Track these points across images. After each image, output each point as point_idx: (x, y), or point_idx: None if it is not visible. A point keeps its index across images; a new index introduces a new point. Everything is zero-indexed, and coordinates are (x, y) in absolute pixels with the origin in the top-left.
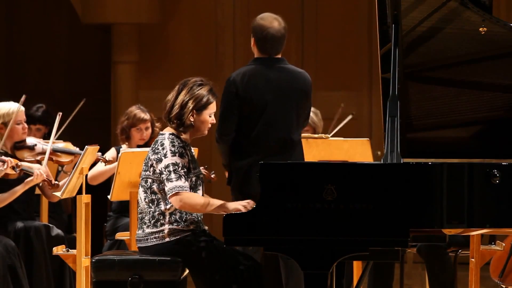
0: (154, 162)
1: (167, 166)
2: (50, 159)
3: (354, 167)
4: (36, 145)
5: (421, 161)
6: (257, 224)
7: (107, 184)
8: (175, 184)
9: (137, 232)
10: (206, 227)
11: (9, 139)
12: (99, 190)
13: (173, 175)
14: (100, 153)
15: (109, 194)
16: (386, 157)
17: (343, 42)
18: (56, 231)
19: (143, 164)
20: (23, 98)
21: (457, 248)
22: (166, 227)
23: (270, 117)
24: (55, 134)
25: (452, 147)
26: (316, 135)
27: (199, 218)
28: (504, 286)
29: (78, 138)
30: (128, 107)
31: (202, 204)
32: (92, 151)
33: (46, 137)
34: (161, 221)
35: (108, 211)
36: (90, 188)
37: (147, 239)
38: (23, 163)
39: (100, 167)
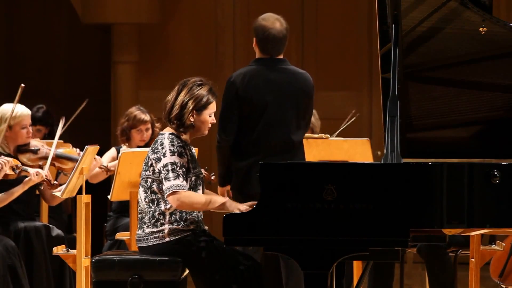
0: (154, 161)
1: (165, 165)
2: (52, 164)
3: (354, 167)
4: (39, 149)
5: (421, 161)
6: (257, 224)
7: (107, 184)
8: (173, 183)
9: (137, 232)
10: (206, 227)
11: (12, 142)
12: (99, 190)
13: (171, 174)
14: (101, 160)
15: (109, 194)
16: (386, 157)
17: (343, 42)
18: (56, 231)
19: (143, 164)
20: (20, 88)
21: (457, 248)
22: (166, 227)
23: (270, 118)
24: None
25: (452, 147)
26: (316, 135)
27: (199, 218)
28: (504, 286)
29: (78, 138)
30: (128, 107)
31: (201, 203)
32: (92, 151)
33: (47, 137)
34: (161, 221)
35: (108, 211)
36: (90, 188)
37: (147, 239)
38: (21, 164)
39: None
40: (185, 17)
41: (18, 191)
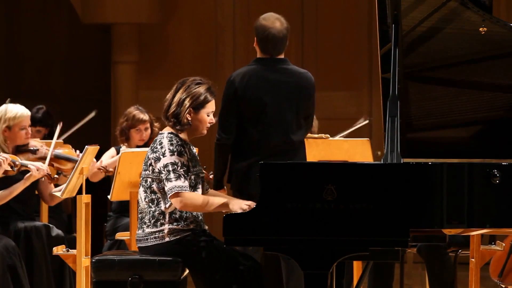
0: (153, 161)
1: (165, 166)
2: (51, 164)
3: (354, 167)
4: (38, 149)
5: (421, 161)
6: (257, 224)
7: (107, 184)
8: (175, 184)
9: (137, 232)
10: (206, 227)
11: (11, 142)
12: (99, 190)
13: (172, 175)
14: (97, 160)
15: (109, 194)
16: (386, 157)
17: (343, 42)
18: (56, 231)
19: (143, 164)
20: (7, 101)
21: (457, 248)
22: (166, 227)
23: (270, 118)
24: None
25: (452, 147)
26: (316, 135)
27: (200, 217)
28: (503, 286)
29: (78, 138)
30: (128, 107)
31: (204, 204)
32: (92, 151)
33: (46, 138)
34: (161, 220)
35: (108, 211)
36: (90, 188)
37: (147, 239)
38: (19, 159)
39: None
40: (185, 17)
41: (19, 187)
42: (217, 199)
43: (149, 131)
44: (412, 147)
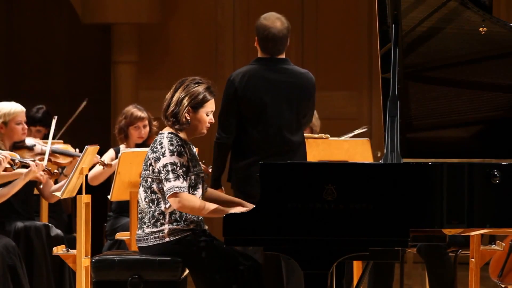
0: (153, 161)
1: (165, 166)
2: (48, 160)
3: (354, 167)
4: (35, 145)
5: (421, 161)
6: (257, 224)
7: (107, 184)
8: (173, 184)
9: (137, 232)
10: (206, 227)
11: (8, 139)
12: (99, 190)
13: (171, 175)
14: (99, 156)
15: (109, 194)
16: (386, 157)
17: (343, 42)
18: (55, 231)
19: (143, 164)
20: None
21: (457, 248)
22: (166, 227)
23: (270, 118)
24: (52, 136)
25: (452, 147)
26: (316, 135)
27: (200, 217)
28: (503, 286)
29: (78, 138)
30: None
31: (201, 207)
32: (92, 151)
33: (46, 138)
34: (161, 221)
35: (108, 211)
36: (90, 188)
37: (147, 239)
38: (19, 156)
39: (99, 167)
40: (185, 17)
41: (19, 183)
42: (213, 204)
43: (147, 128)
44: (412, 147)
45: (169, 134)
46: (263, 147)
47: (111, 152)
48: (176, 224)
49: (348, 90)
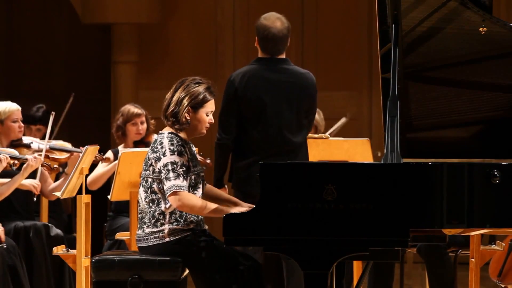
0: (153, 161)
1: (165, 165)
2: (46, 156)
3: (354, 167)
4: (32, 143)
5: (421, 161)
6: (257, 224)
7: (107, 184)
8: (173, 183)
9: (137, 232)
10: (206, 227)
11: (5, 137)
12: (99, 190)
13: (171, 174)
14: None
15: (109, 194)
16: (386, 157)
17: (343, 42)
18: (55, 231)
19: (143, 164)
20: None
21: (457, 248)
22: (166, 227)
23: (269, 118)
24: (50, 133)
25: (452, 147)
26: (316, 135)
27: (200, 217)
28: (503, 286)
29: (78, 138)
30: None
31: (201, 206)
32: (92, 151)
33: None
34: (161, 221)
35: (108, 211)
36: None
37: (147, 239)
38: (16, 153)
39: (98, 170)
40: (185, 17)
41: (18, 179)
42: (213, 204)
43: (145, 125)
44: (412, 147)
45: (169, 134)
46: (263, 147)
47: (109, 154)
48: (176, 224)
49: (348, 90)
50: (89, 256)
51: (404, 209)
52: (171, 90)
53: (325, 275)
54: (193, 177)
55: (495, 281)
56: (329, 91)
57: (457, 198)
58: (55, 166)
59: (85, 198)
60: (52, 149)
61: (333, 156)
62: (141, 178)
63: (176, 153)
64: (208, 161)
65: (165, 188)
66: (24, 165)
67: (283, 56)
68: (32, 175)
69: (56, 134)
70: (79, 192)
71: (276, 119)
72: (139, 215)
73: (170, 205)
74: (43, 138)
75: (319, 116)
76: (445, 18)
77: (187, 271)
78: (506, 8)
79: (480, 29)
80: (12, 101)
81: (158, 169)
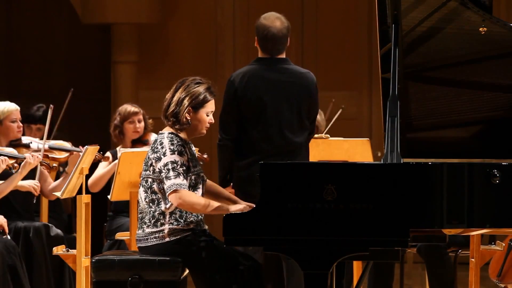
0: (154, 161)
1: (166, 165)
2: (45, 156)
3: (354, 167)
4: (31, 143)
5: (421, 161)
6: (257, 224)
7: (107, 184)
8: (174, 181)
9: (137, 232)
10: (206, 227)
11: (4, 137)
12: (99, 190)
13: (171, 173)
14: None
15: (109, 194)
16: (386, 157)
17: (343, 42)
18: (55, 231)
19: (143, 164)
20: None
21: (457, 248)
22: (166, 227)
23: (270, 118)
24: (49, 129)
25: (452, 147)
26: (316, 135)
27: (200, 217)
28: (503, 286)
29: (78, 138)
30: None
31: (201, 204)
32: (92, 151)
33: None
34: (161, 221)
35: (108, 211)
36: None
37: (147, 239)
38: (15, 152)
39: (98, 171)
40: (185, 17)
41: (16, 177)
42: (214, 202)
43: (142, 124)
44: (412, 147)
45: (170, 134)
46: (264, 147)
47: (108, 155)
48: (176, 224)
49: (348, 90)
50: (89, 256)
51: (404, 209)
52: (172, 90)
53: (325, 275)
54: (193, 177)
55: (495, 281)
56: (329, 91)
57: (457, 198)
58: (54, 165)
59: (85, 198)
60: (51, 148)
61: (333, 156)
62: (141, 178)
63: (176, 152)
64: (205, 156)
65: (165, 187)
66: (22, 163)
67: (283, 55)
68: (32, 175)
69: (55, 133)
70: (79, 192)
71: (276, 119)
72: (139, 215)
73: (170, 205)
74: (43, 137)
75: (320, 117)
76: (445, 18)
77: (187, 271)
78: (506, 8)
79: (480, 29)
80: (12, 101)
81: (159, 169)
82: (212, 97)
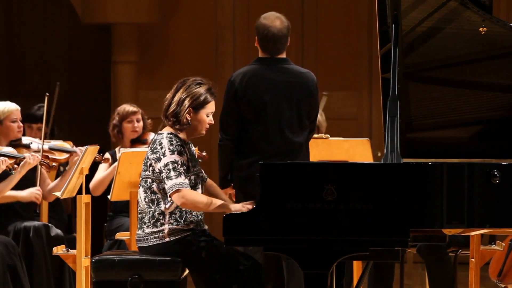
0: (153, 161)
1: (166, 165)
2: (46, 157)
3: (354, 167)
4: (31, 143)
5: (421, 161)
6: (257, 224)
7: (108, 184)
8: (175, 181)
9: (137, 232)
10: (206, 227)
11: (4, 137)
12: None
13: (172, 173)
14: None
15: (109, 194)
16: (386, 157)
17: (343, 42)
18: (55, 231)
19: (143, 164)
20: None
21: (457, 248)
22: (166, 227)
23: (270, 117)
24: (47, 117)
25: (452, 147)
26: (316, 135)
27: (200, 217)
28: (503, 286)
29: (78, 138)
30: None
31: (204, 202)
32: (92, 151)
33: (47, 136)
34: (161, 221)
35: (108, 211)
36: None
37: (147, 239)
38: (15, 152)
39: (98, 174)
40: (185, 17)
41: (16, 177)
42: (217, 200)
43: (141, 123)
44: (412, 147)
45: (169, 135)
46: (264, 147)
47: (107, 156)
48: (176, 224)
49: (348, 90)
50: (89, 256)
51: (404, 209)
52: (172, 90)
53: (325, 275)
54: (192, 177)
55: (495, 281)
56: (329, 91)
57: (457, 198)
58: (54, 164)
59: (85, 198)
60: (51, 149)
61: (333, 156)
62: (140, 178)
63: (176, 152)
64: (204, 153)
65: (166, 187)
66: (21, 163)
67: (283, 55)
68: (32, 176)
69: (56, 132)
70: (79, 192)
71: (276, 119)
72: (139, 215)
73: (170, 205)
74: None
75: (321, 117)
76: (445, 18)
77: (187, 271)
78: (506, 8)
79: (480, 29)
80: (12, 101)
81: (159, 169)
82: (212, 98)
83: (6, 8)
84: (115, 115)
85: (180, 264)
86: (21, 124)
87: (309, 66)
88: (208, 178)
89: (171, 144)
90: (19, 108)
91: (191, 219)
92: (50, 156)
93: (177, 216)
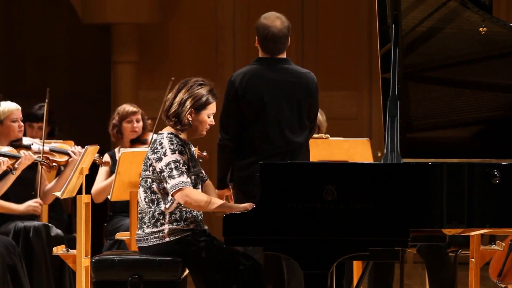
0: (154, 161)
1: (168, 164)
2: (46, 158)
3: (354, 167)
4: (32, 144)
5: (421, 161)
6: (257, 224)
7: None
8: (178, 180)
9: (137, 232)
10: (206, 227)
11: (5, 137)
12: None
13: (175, 172)
14: (97, 154)
15: (109, 194)
16: (386, 157)
17: (343, 42)
18: (55, 231)
19: (143, 164)
20: None
21: (457, 248)
22: (166, 227)
23: (269, 118)
24: (45, 117)
25: (452, 147)
26: (316, 135)
27: (200, 217)
28: (503, 286)
29: (78, 138)
30: None
31: (206, 201)
32: (92, 151)
33: (48, 136)
34: (161, 221)
35: (108, 211)
36: (90, 188)
37: (147, 239)
38: (11, 152)
39: (99, 180)
40: (185, 17)
41: (11, 177)
42: (219, 200)
43: (141, 123)
44: (412, 147)
45: (169, 135)
46: (264, 147)
47: (106, 157)
48: (176, 224)
49: (348, 90)
50: (89, 256)
51: (404, 209)
52: (174, 90)
53: (325, 275)
54: (192, 177)
55: (495, 281)
56: (329, 91)
57: (457, 198)
58: (54, 164)
59: (85, 198)
60: (52, 151)
61: (333, 156)
62: (140, 178)
63: (176, 151)
64: (204, 153)
65: (168, 186)
66: (17, 162)
67: (284, 55)
68: (32, 177)
69: (55, 132)
70: (79, 192)
71: (277, 119)
72: (139, 215)
73: (170, 205)
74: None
75: (322, 117)
76: (445, 18)
77: (187, 271)
78: (506, 8)
79: (480, 29)
80: (12, 100)
81: (160, 169)
82: (214, 99)
83: (6, 8)
84: (115, 115)
85: (180, 264)
86: (21, 124)
87: (309, 66)
88: (208, 180)
89: (172, 144)
90: (19, 108)
91: (191, 219)
92: (51, 157)
93: (177, 216)
